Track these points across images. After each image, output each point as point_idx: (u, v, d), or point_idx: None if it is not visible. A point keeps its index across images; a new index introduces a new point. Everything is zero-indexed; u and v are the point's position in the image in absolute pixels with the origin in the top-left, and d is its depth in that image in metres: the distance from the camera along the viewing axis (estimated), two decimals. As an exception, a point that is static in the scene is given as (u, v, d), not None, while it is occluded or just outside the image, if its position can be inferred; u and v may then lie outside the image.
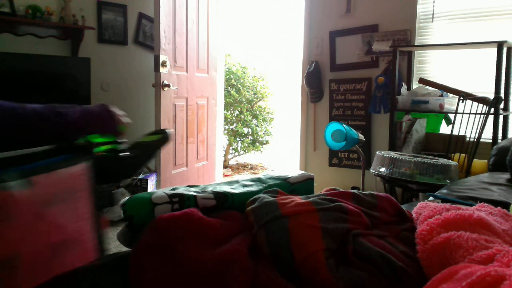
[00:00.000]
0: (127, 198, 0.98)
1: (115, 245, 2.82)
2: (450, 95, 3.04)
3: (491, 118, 2.75)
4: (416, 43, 3.42)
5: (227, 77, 5.66)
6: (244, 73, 5.74)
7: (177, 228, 0.87)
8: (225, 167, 5.65)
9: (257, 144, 5.76)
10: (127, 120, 1.15)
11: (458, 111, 2.75)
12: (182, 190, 1.03)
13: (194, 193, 1.00)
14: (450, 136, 2.82)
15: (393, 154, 2.52)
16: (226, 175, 5.27)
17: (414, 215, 1.03)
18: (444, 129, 3.27)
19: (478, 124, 2.71)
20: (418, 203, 1.08)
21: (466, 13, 3.24)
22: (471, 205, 1.14)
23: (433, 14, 3.36)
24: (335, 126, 3.03)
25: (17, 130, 1.01)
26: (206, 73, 4.06)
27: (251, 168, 5.76)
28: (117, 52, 4.24)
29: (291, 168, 5.43)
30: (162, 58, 3.33)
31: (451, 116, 3.08)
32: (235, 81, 5.71)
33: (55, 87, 3.62)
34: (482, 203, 1.11)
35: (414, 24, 3.43)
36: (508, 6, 3.08)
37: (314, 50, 3.93)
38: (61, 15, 3.75)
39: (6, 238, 0.80)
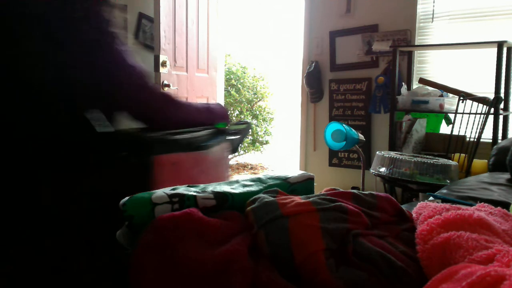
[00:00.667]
0: (127, 198, 0.98)
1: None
2: (450, 95, 3.04)
3: (491, 118, 2.75)
4: (416, 43, 3.42)
5: (227, 77, 5.66)
6: (244, 73, 5.74)
7: (177, 228, 0.87)
8: (225, 167, 5.64)
9: (257, 144, 5.76)
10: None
11: (458, 111, 2.75)
12: (182, 190, 1.03)
13: (194, 193, 1.00)
14: (450, 136, 2.82)
15: (393, 154, 2.52)
16: (226, 175, 5.26)
17: (414, 215, 1.03)
18: (444, 129, 3.27)
19: (478, 124, 2.71)
20: (418, 203, 1.08)
21: (466, 13, 3.24)
22: (471, 205, 1.14)
23: (433, 14, 3.36)
24: (335, 126, 3.03)
25: (193, 118, 1.48)
26: (206, 73, 4.07)
27: (251, 168, 5.76)
28: (117, 52, 4.24)
29: (291, 168, 5.43)
30: (162, 58, 3.33)
31: (451, 116, 3.08)
32: (235, 81, 5.71)
33: (55, 87, 3.62)
34: (482, 203, 1.11)
35: (414, 24, 3.43)
36: (508, 6, 3.08)
37: (314, 50, 3.94)
38: (61, 15, 3.76)
39: (203, 181, 1.21)
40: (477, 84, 3.15)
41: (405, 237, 0.94)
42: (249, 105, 5.75)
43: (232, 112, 5.78)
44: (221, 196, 1.02)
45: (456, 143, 2.79)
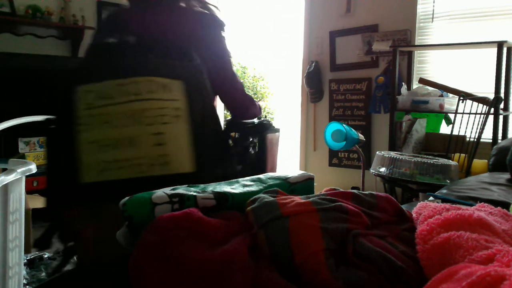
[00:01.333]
0: (127, 198, 0.98)
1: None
2: (450, 95, 3.04)
3: (491, 118, 2.75)
4: (416, 43, 3.42)
5: (227, 77, 5.64)
6: (244, 73, 5.74)
7: (177, 228, 0.87)
8: (225, 167, 5.64)
9: (257, 144, 5.74)
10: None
11: (458, 111, 2.75)
12: (182, 190, 1.03)
13: (194, 193, 1.00)
14: (450, 136, 2.82)
15: (393, 154, 2.52)
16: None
17: (414, 215, 1.03)
18: (444, 129, 3.27)
19: (478, 124, 2.71)
20: (418, 203, 1.08)
21: (466, 13, 3.24)
22: (471, 205, 1.14)
23: (433, 14, 3.36)
24: (335, 126, 3.03)
25: (257, 114, 1.78)
26: (206, 73, 4.06)
27: (251, 168, 5.75)
28: (117, 52, 4.24)
29: (291, 168, 5.44)
30: (162, 58, 3.32)
31: (451, 116, 3.08)
32: (235, 81, 5.70)
33: (55, 87, 3.62)
34: (482, 203, 1.11)
35: (414, 24, 3.43)
36: (508, 6, 3.08)
37: (314, 50, 3.93)
38: (61, 15, 3.75)
39: (274, 161, 1.65)
40: (477, 84, 3.15)
41: (405, 237, 0.94)
42: (249, 105, 5.74)
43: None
44: (221, 196, 1.02)
45: (456, 143, 2.79)
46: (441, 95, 3.03)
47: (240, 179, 1.18)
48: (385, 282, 0.80)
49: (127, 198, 0.98)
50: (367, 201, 1.03)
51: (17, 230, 1.26)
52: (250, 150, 1.63)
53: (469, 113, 2.74)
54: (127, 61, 1.35)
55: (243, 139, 1.63)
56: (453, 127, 2.82)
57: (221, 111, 4.51)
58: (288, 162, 5.58)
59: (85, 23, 3.84)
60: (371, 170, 2.63)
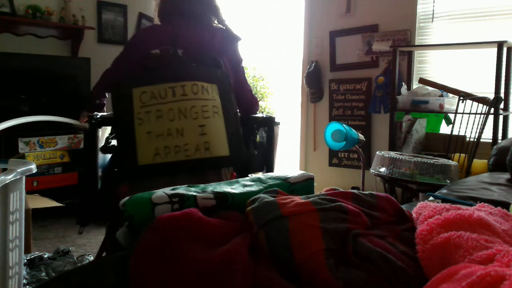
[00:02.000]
0: (127, 198, 0.98)
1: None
2: (450, 95, 3.04)
3: (491, 118, 2.75)
4: (416, 43, 3.42)
5: (227, 77, 5.64)
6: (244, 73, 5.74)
7: (177, 228, 0.87)
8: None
9: (257, 144, 5.74)
10: None
11: (458, 111, 2.75)
12: (182, 190, 1.03)
13: (194, 193, 1.00)
14: (450, 136, 2.82)
15: (393, 154, 2.52)
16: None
17: (414, 215, 1.03)
18: (444, 129, 3.27)
19: (478, 124, 2.70)
20: (418, 203, 1.08)
21: (466, 13, 3.24)
22: (471, 205, 1.14)
23: (433, 14, 3.36)
24: (335, 126, 3.03)
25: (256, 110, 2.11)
26: (206, 73, 4.07)
27: (251, 168, 5.74)
28: (117, 52, 4.21)
29: (291, 168, 5.43)
30: (162, 58, 3.33)
31: (451, 116, 3.08)
32: (235, 81, 5.69)
33: (55, 87, 3.62)
34: (482, 203, 1.11)
35: (414, 24, 3.43)
36: (508, 6, 3.08)
37: (314, 50, 3.93)
38: (61, 15, 3.75)
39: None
40: (477, 84, 3.14)
41: (405, 237, 0.94)
42: (249, 105, 5.73)
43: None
44: (221, 196, 1.02)
45: (456, 143, 2.79)
46: (441, 95, 3.03)
47: (240, 179, 1.18)
48: (385, 282, 0.80)
49: (127, 198, 0.98)
50: (367, 201, 1.03)
51: (17, 230, 1.26)
52: (260, 138, 2.06)
53: (469, 113, 2.74)
54: (176, 68, 1.72)
55: (256, 130, 2.03)
56: (453, 127, 2.82)
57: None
58: (288, 162, 5.57)
59: (85, 23, 3.84)
60: (371, 170, 2.63)
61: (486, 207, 1.06)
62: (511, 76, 2.99)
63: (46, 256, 2.26)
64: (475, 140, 2.70)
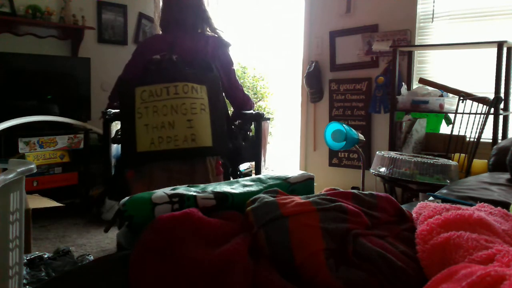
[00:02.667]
0: (127, 198, 0.98)
1: (115, 245, 2.82)
2: (450, 95, 3.04)
3: (491, 118, 2.75)
4: (416, 43, 3.42)
5: (227, 77, 5.63)
6: (244, 73, 5.73)
7: (177, 228, 0.87)
8: (225, 167, 5.63)
9: (257, 144, 5.73)
10: None
11: (458, 111, 2.75)
12: (182, 190, 1.03)
13: (194, 193, 1.00)
14: (450, 136, 2.82)
15: (393, 154, 2.52)
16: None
17: (414, 215, 1.03)
18: (444, 129, 3.27)
19: (478, 124, 2.70)
20: (418, 203, 1.08)
21: (466, 13, 3.24)
22: (471, 205, 1.14)
23: (433, 14, 3.36)
24: (335, 126, 3.03)
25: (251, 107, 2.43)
26: (206, 73, 4.07)
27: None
28: (117, 52, 4.24)
29: (291, 168, 5.43)
30: (162, 58, 3.33)
31: (451, 116, 3.07)
32: (235, 81, 5.69)
33: (55, 87, 3.62)
34: (482, 203, 1.11)
35: (414, 24, 3.42)
36: (508, 6, 3.08)
37: (314, 50, 3.93)
38: (61, 15, 3.75)
39: (265, 141, 2.22)
40: (477, 84, 3.14)
41: (405, 237, 0.94)
42: (249, 105, 5.73)
43: (232, 112, 5.77)
44: (221, 196, 1.02)
45: (456, 143, 2.79)
46: (441, 95, 3.02)
47: (240, 179, 1.18)
48: (385, 282, 0.80)
49: (127, 198, 0.98)
50: (367, 201, 1.03)
51: (17, 230, 1.26)
52: (250, 131, 2.31)
53: (469, 113, 2.74)
54: (171, 71, 1.99)
55: (245, 124, 2.32)
56: (453, 127, 2.82)
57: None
58: (288, 162, 5.57)
59: (85, 23, 3.84)
60: (371, 170, 2.63)
61: (486, 207, 1.06)
62: (511, 76, 2.99)
63: (46, 256, 2.26)
64: (475, 140, 2.70)
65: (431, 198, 1.55)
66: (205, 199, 1.00)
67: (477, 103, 2.74)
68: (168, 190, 1.02)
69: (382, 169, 2.51)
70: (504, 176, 1.95)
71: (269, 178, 1.17)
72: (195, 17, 2.16)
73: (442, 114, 3.18)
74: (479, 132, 2.70)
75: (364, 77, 3.68)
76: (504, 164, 2.04)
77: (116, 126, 2.25)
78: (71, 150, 3.46)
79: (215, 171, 2.02)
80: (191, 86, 1.95)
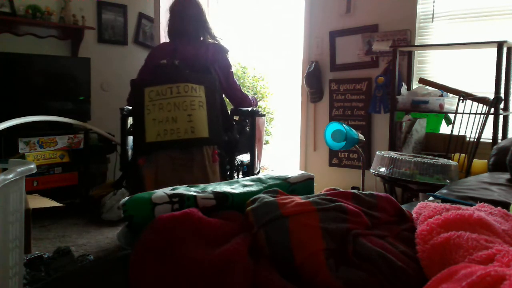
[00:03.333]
0: (127, 198, 0.98)
1: (115, 245, 2.82)
2: (450, 95, 3.04)
3: (491, 118, 2.75)
4: (416, 43, 3.42)
5: (227, 77, 5.63)
6: (244, 73, 5.73)
7: (177, 228, 0.87)
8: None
9: (257, 144, 5.72)
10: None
11: (458, 111, 2.75)
12: (182, 190, 1.03)
13: (194, 193, 1.00)
14: (450, 136, 2.82)
15: (393, 154, 2.52)
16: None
17: (414, 215, 1.03)
18: (444, 129, 3.27)
19: (478, 124, 2.70)
20: (418, 203, 1.08)
21: (466, 13, 3.24)
22: (471, 205, 1.14)
23: (433, 14, 3.36)
24: (335, 126, 3.03)
25: (251, 105, 2.71)
26: (206, 73, 4.08)
27: (251, 168, 5.73)
28: (117, 52, 4.24)
29: (291, 168, 5.43)
30: (162, 58, 3.33)
31: (451, 116, 3.08)
32: (235, 81, 5.68)
33: (55, 87, 3.62)
34: (482, 203, 1.11)
35: (414, 24, 3.42)
36: (508, 6, 3.08)
37: (314, 50, 3.93)
38: (61, 15, 3.75)
39: (261, 135, 2.75)
40: (477, 84, 3.14)
41: (405, 237, 0.94)
42: (249, 105, 5.72)
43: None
44: (221, 196, 1.02)
45: (456, 143, 2.79)
46: (441, 95, 3.02)
47: (240, 179, 1.18)
48: (385, 282, 0.80)
49: (127, 198, 0.98)
50: (367, 201, 1.03)
51: (17, 230, 1.26)
52: (246, 126, 2.60)
53: (469, 113, 2.74)
54: (174, 74, 2.32)
55: (242, 119, 2.64)
56: (453, 127, 2.82)
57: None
58: (288, 162, 5.57)
59: (85, 23, 3.84)
60: (371, 170, 2.63)
61: (486, 207, 1.06)
62: (511, 76, 2.99)
63: (46, 256, 2.26)
64: (475, 140, 2.70)
65: (431, 198, 1.55)
66: (205, 199, 1.00)
67: (477, 103, 2.74)
68: (168, 190, 1.02)
69: (382, 169, 2.51)
70: (504, 176, 1.95)
71: (269, 178, 1.17)
72: (196, 27, 2.49)
73: (442, 114, 3.18)
74: (479, 132, 2.70)
75: (364, 77, 3.68)
76: (504, 164, 2.04)
77: (131, 121, 2.55)
78: (71, 150, 3.46)
79: (211, 158, 2.30)
80: (191, 86, 2.25)
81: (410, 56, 3.41)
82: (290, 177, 1.17)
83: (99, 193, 3.50)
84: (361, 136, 3.07)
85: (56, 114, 3.29)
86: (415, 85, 3.40)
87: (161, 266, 0.82)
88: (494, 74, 2.77)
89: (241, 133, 2.57)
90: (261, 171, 2.93)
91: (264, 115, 2.75)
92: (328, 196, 1.01)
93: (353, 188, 3.20)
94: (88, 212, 3.41)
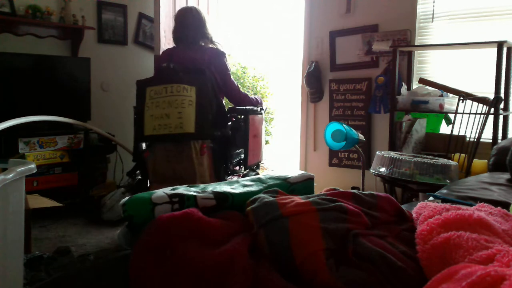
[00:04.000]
0: (127, 198, 0.98)
1: (115, 245, 2.82)
2: (450, 95, 3.04)
3: (491, 118, 2.75)
4: (416, 43, 3.42)
5: (227, 77, 5.63)
6: (244, 73, 5.73)
7: (177, 228, 0.87)
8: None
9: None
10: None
11: (458, 111, 2.75)
12: (182, 190, 1.03)
13: (194, 193, 1.00)
14: (450, 136, 2.82)
15: (393, 154, 2.52)
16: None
17: (414, 215, 1.03)
18: (444, 129, 3.27)
19: (478, 124, 2.70)
20: (418, 203, 1.08)
21: (466, 13, 3.24)
22: (471, 205, 1.14)
23: (433, 14, 3.36)
24: (335, 126, 3.03)
25: (253, 104, 2.95)
26: (206, 73, 4.08)
27: (251, 168, 5.73)
28: (117, 52, 4.24)
29: (291, 168, 5.43)
30: (162, 58, 3.33)
31: (451, 116, 3.08)
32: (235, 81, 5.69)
33: (55, 87, 3.62)
34: (482, 203, 1.11)
35: (414, 24, 3.42)
36: (508, 6, 3.07)
37: (314, 50, 3.93)
38: (61, 15, 3.75)
39: (258, 132, 2.94)
40: (477, 84, 3.14)
41: (405, 237, 0.94)
42: (249, 105, 5.72)
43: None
44: (221, 196, 1.02)
45: (456, 143, 2.79)
46: (441, 95, 3.02)
47: (240, 179, 1.18)
48: (385, 282, 0.80)
49: (127, 198, 0.98)
50: (367, 201, 1.03)
51: (17, 230, 1.26)
52: (241, 123, 2.80)
53: (469, 113, 2.74)
54: (169, 75, 2.56)
55: (237, 116, 2.85)
56: (453, 127, 2.82)
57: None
58: (288, 162, 5.57)
59: (85, 23, 3.84)
60: (371, 170, 2.63)
61: (486, 207, 1.06)
62: (511, 76, 2.99)
63: (46, 256, 2.26)
64: (475, 140, 2.70)
65: (431, 198, 1.55)
66: (205, 199, 1.00)
67: (477, 103, 2.74)
68: (168, 190, 1.02)
69: (382, 169, 2.51)
70: (504, 176, 1.95)
71: (269, 178, 1.17)
72: (194, 34, 2.78)
73: (442, 114, 3.18)
74: (479, 132, 2.70)
75: (364, 77, 3.68)
76: (504, 164, 2.04)
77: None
78: (71, 150, 3.46)
79: (199, 152, 2.54)
80: (183, 87, 2.51)
81: (410, 56, 3.41)
82: (290, 177, 1.17)
83: (99, 193, 3.50)
84: (361, 136, 3.07)
85: (56, 114, 3.29)
86: (415, 85, 3.40)
87: (161, 266, 0.82)
88: (494, 74, 2.77)
89: (237, 130, 2.78)
90: (260, 166, 3.14)
91: (261, 113, 2.95)
92: (328, 196, 1.01)
93: (353, 188, 3.20)
94: (88, 212, 3.41)
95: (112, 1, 4.15)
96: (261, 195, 1.01)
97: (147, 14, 4.36)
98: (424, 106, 2.99)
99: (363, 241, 0.87)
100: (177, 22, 2.84)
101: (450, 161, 2.46)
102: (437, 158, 2.53)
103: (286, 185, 1.14)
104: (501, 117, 2.87)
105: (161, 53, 3.01)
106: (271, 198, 0.97)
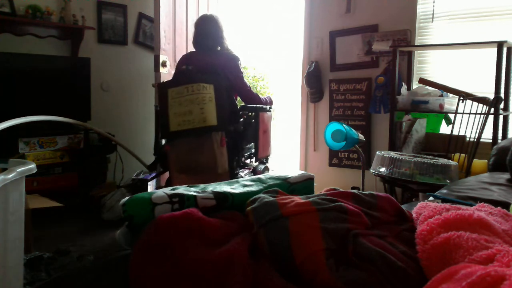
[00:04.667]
0: (127, 198, 0.98)
1: (115, 245, 2.82)
2: (450, 95, 3.03)
3: (491, 118, 2.75)
4: (416, 43, 3.42)
5: (227, 77, 5.63)
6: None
7: (177, 228, 0.87)
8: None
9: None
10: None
11: (458, 111, 2.75)
12: (182, 190, 1.03)
13: (194, 193, 1.00)
14: (450, 136, 2.82)
15: (393, 154, 2.52)
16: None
17: (414, 215, 1.03)
18: (444, 129, 3.27)
19: (478, 124, 2.70)
20: (418, 203, 1.08)
21: (466, 13, 3.24)
22: (471, 205, 1.14)
23: (433, 14, 3.36)
24: (335, 126, 3.03)
25: (264, 103, 3.22)
26: (206, 73, 4.09)
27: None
28: (117, 52, 4.24)
29: (291, 168, 5.42)
30: (162, 58, 3.33)
31: (451, 116, 3.08)
32: (235, 81, 5.68)
33: (55, 87, 3.62)
34: (482, 203, 1.11)
35: (414, 24, 3.42)
36: (508, 6, 3.08)
37: (314, 50, 3.93)
38: (61, 15, 3.75)
39: (267, 128, 3.21)
40: (477, 84, 3.14)
41: (405, 237, 0.94)
42: (249, 105, 5.72)
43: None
44: (221, 196, 1.02)
45: (456, 143, 2.79)
46: (441, 95, 3.02)
47: (240, 179, 1.18)
48: (385, 282, 0.80)
49: (127, 198, 0.98)
50: (367, 201, 1.03)
51: (17, 230, 1.26)
52: (252, 120, 3.08)
53: (469, 113, 2.74)
54: (188, 77, 2.83)
55: (247, 113, 3.11)
56: (453, 127, 2.82)
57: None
58: (288, 162, 5.57)
59: (85, 23, 3.84)
60: (371, 170, 2.63)
61: (486, 207, 1.06)
62: (511, 76, 2.99)
63: (46, 256, 2.26)
64: (475, 140, 2.70)
65: (431, 198, 1.55)
66: (205, 199, 1.00)
67: (477, 103, 2.74)
68: (168, 190, 1.02)
69: (382, 169, 2.51)
70: (504, 176, 1.95)
71: (269, 178, 1.17)
72: (212, 40, 3.06)
73: (442, 114, 3.18)
74: (479, 132, 2.70)
75: (364, 77, 3.68)
76: (504, 164, 2.04)
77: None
78: (71, 150, 3.46)
79: (220, 143, 2.78)
80: (202, 86, 2.77)
81: (410, 56, 3.41)
82: (290, 177, 1.17)
83: (99, 193, 3.50)
84: (361, 136, 3.07)
85: (56, 114, 3.29)
86: (415, 85, 3.40)
87: (161, 266, 0.82)
88: (494, 74, 2.77)
89: (249, 126, 3.05)
90: (269, 159, 3.40)
91: (270, 111, 3.22)
92: (328, 196, 1.01)
93: (353, 188, 3.20)
94: (88, 212, 3.41)
95: (112, 1, 4.15)
96: (261, 195, 1.01)
97: (147, 14, 4.36)
98: (424, 106, 2.99)
99: (363, 241, 0.87)
100: (198, 29, 3.10)
101: (450, 161, 2.46)
102: (437, 158, 2.53)
103: (286, 185, 1.14)
104: (501, 117, 2.87)
105: (181, 57, 3.28)
106: (271, 198, 0.97)
